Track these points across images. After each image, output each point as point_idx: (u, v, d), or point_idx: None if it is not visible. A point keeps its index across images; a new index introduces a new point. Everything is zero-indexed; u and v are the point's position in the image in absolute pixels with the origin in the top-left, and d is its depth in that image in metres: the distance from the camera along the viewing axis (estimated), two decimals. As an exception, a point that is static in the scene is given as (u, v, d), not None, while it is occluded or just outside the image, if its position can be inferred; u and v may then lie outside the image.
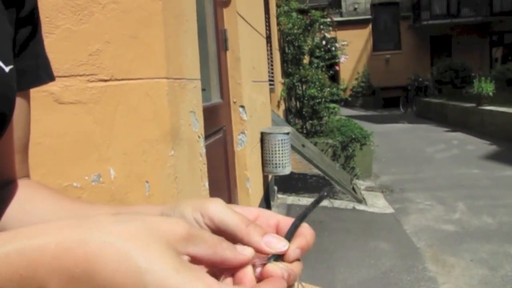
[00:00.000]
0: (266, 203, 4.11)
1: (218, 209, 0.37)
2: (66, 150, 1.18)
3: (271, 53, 6.34)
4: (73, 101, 1.20)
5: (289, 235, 0.36)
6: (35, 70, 0.49)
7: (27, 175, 0.52)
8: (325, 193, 0.38)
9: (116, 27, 1.29)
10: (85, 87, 1.22)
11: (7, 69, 0.40)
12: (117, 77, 1.29)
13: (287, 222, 0.38)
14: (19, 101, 0.48)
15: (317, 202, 0.38)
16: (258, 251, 0.34)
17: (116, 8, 1.29)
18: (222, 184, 2.76)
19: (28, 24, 0.47)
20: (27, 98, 0.50)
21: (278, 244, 0.35)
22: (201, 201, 0.39)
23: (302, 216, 0.37)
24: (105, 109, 1.27)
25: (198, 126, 1.75)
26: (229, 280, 0.33)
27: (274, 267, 0.33)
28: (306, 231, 0.37)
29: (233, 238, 0.35)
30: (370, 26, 21.14)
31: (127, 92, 1.32)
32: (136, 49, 1.35)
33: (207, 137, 2.11)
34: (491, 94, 10.21)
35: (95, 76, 1.24)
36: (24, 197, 0.48)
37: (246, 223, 0.36)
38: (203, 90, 1.98)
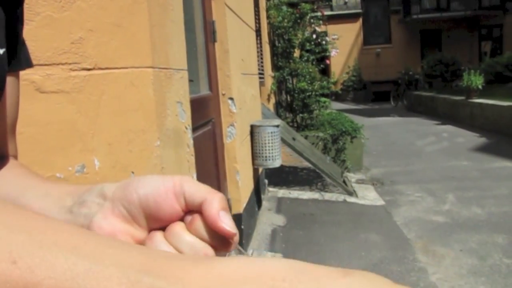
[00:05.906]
0: (257, 196, 4.10)
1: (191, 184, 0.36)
2: (49, 140, 1.16)
3: (261, 47, 6.32)
4: (56, 90, 1.18)
5: None
6: (18, 53, 0.49)
7: (14, 155, 0.52)
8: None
9: (99, 14, 1.26)
10: (68, 76, 1.20)
11: (1, 51, 0.43)
12: (100, 66, 1.27)
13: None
14: (9, 79, 0.49)
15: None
16: (210, 218, 0.34)
17: (98, -5, 1.26)
18: (212, 176, 2.74)
19: (18, 7, 0.47)
20: (17, 77, 0.51)
21: (231, 223, 0.34)
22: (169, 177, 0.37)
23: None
24: (88, 98, 1.24)
25: (185, 116, 1.73)
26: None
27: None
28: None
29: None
30: (360, 20, 21.13)
31: (111, 81, 1.30)
32: (120, 37, 1.32)
33: (195, 129, 2.09)
34: (480, 87, 10.28)
35: (78, 64, 1.22)
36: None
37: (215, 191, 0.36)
38: (190, 81, 1.96)
